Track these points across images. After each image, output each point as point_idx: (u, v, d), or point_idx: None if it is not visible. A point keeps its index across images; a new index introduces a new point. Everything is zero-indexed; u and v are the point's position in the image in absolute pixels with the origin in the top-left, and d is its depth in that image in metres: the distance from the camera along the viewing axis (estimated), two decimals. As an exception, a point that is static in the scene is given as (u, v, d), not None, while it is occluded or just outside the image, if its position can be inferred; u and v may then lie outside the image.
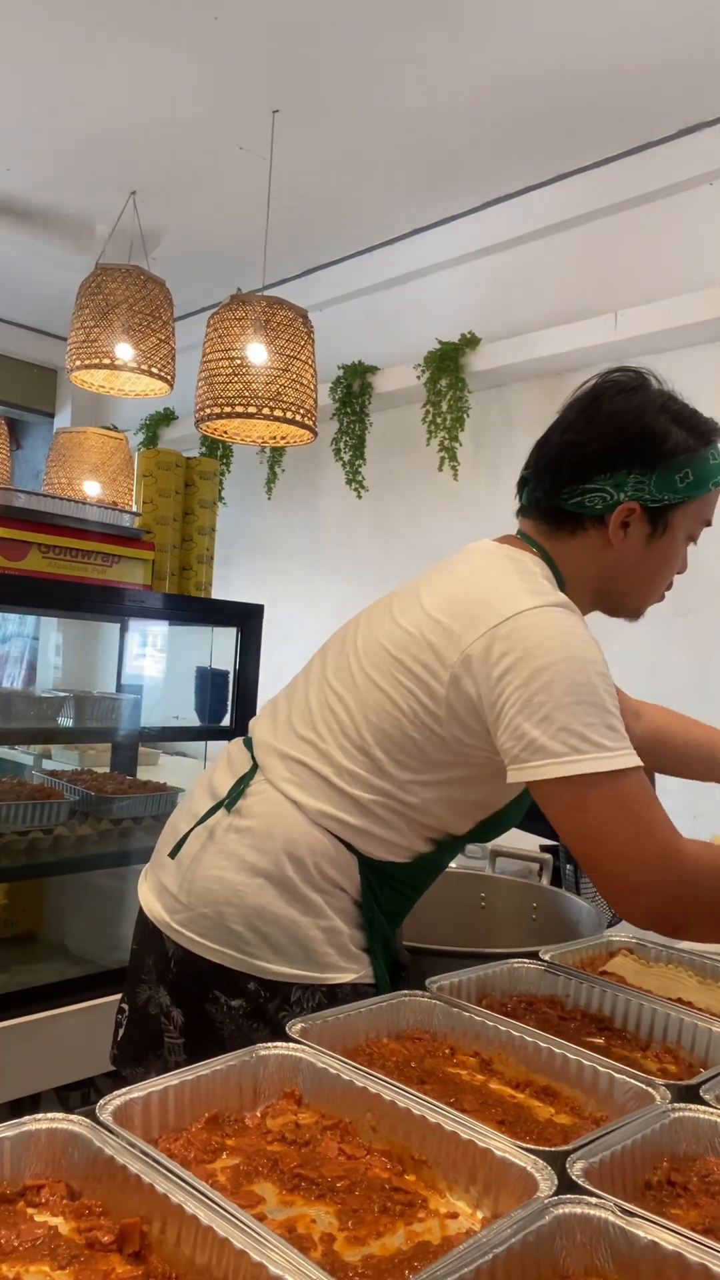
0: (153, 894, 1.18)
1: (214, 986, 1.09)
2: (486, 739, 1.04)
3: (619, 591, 1.16)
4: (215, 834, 1.13)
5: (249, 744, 1.20)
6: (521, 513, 1.20)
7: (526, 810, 1.23)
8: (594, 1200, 0.64)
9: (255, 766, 1.15)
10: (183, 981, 1.12)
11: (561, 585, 1.12)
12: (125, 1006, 1.22)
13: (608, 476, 1.10)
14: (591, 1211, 0.64)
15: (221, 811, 1.14)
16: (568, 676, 0.97)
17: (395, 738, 1.07)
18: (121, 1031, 1.22)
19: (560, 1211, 0.63)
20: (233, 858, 1.10)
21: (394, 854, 1.12)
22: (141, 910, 1.20)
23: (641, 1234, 0.62)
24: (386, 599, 1.20)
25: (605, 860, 0.96)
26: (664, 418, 1.11)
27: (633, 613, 1.21)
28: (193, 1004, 1.11)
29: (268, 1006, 1.07)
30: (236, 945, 1.08)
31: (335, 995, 1.08)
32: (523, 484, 1.20)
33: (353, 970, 1.10)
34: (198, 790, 1.22)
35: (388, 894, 1.13)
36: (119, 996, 1.23)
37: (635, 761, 0.96)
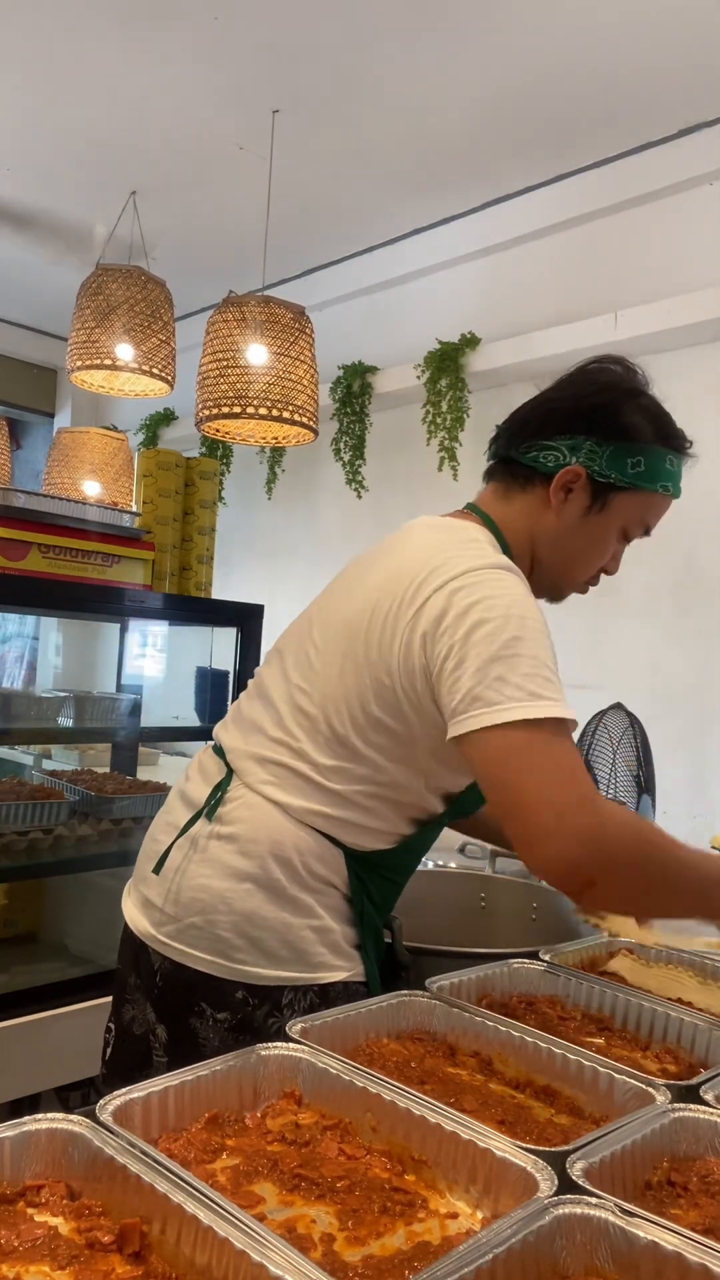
0: (137, 909, 1.17)
1: (201, 999, 1.08)
2: (435, 705, 1.03)
3: (546, 561, 1.17)
4: (198, 843, 1.12)
5: (219, 751, 1.19)
6: (486, 474, 1.23)
7: None
8: (594, 1200, 0.64)
9: (230, 773, 1.15)
10: (169, 996, 1.11)
11: (506, 552, 1.13)
12: (111, 1025, 1.22)
13: (565, 437, 1.13)
14: (591, 1211, 0.64)
15: (202, 820, 1.13)
16: (504, 630, 0.97)
17: (361, 719, 1.07)
18: (109, 1050, 1.22)
19: (560, 1211, 0.63)
20: (218, 865, 1.09)
21: (380, 841, 1.12)
22: (126, 926, 1.19)
23: (641, 1234, 0.62)
24: (333, 587, 1.21)
25: (522, 806, 0.93)
26: (632, 403, 1.14)
27: (552, 588, 1.21)
28: (178, 1019, 1.10)
29: (256, 1014, 1.07)
30: (225, 953, 1.07)
31: (327, 995, 1.08)
32: (493, 441, 1.23)
33: (344, 968, 1.10)
34: (173, 802, 1.22)
35: (377, 883, 1.13)
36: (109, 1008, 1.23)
37: (566, 713, 0.96)
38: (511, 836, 0.95)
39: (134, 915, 1.17)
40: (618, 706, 2.19)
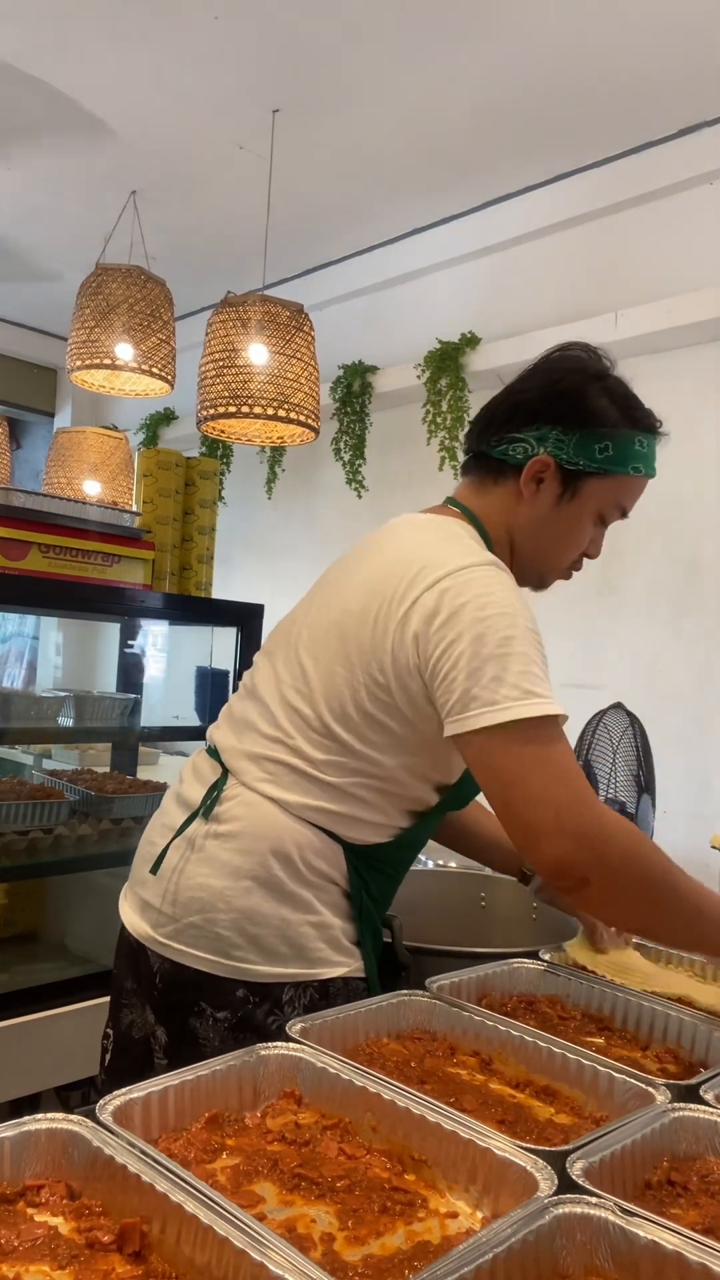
0: (135, 911, 1.17)
1: (200, 999, 1.08)
2: (429, 702, 1.05)
3: (524, 551, 1.17)
4: (195, 843, 1.13)
5: (213, 753, 1.19)
6: (463, 469, 1.24)
7: None
8: (594, 1200, 0.64)
9: (226, 772, 1.15)
10: (169, 997, 1.11)
11: (489, 546, 1.14)
12: (110, 1031, 1.21)
13: (533, 428, 1.14)
14: (591, 1211, 0.64)
15: (199, 821, 1.13)
16: (498, 630, 0.99)
17: (356, 716, 1.08)
18: (108, 1057, 1.21)
19: (560, 1211, 0.63)
20: (216, 863, 1.10)
21: (378, 835, 1.12)
22: (124, 930, 1.19)
23: (641, 1234, 0.62)
24: (319, 586, 1.22)
25: (521, 802, 0.96)
26: (598, 385, 1.14)
27: (535, 577, 1.21)
28: (178, 1020, 1.10)
29: (256, 1013, 1.07)
30: (225, 951, 1.08)
31: (327, 990, 1.08)
32: (467, 436, 1.24)
33: (344, 964, 1.10)
34: (168, 805, 1.22)
35: (375, 878, 1.14)
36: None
37: (560, 710, 0.98)
38: (510, 832, 0.98)
39: (131, 918, 1.18)
40: (618, 706, 2.19)
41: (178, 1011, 1.10)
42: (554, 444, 1.12)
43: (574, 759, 0.98)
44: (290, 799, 1.09)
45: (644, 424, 1.15)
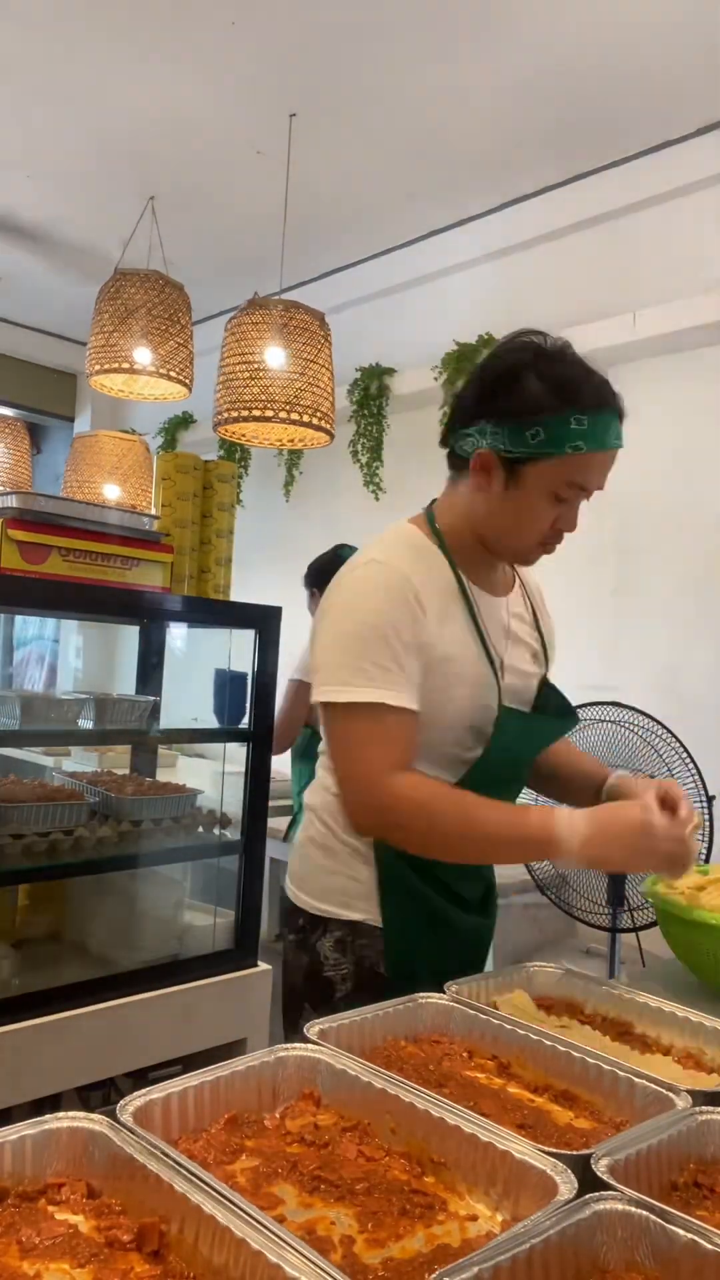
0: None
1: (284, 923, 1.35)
2: None
3: (489, 534, 1.23)
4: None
5: None
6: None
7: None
8: (635, 1197, 0.64)
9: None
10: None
11: (441, 539, 1.24)
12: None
13: (475, 424, 1.19)
14: (633, 1209, 0.64)
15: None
16: (336, 623, 1.18)
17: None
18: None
19: (601, 1207, 0.63)
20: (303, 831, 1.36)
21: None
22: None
23: (681, 1232, 0.61)
24: None
25: (339, 780, 1.20)
26: (530, 374, 1.13)
27: (510, 554, 1.27)
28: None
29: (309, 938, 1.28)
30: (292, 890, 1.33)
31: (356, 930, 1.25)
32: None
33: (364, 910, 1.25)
34: None
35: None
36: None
37: (370, 698, 1.11)
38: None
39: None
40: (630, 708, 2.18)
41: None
42: (491, 437, 1.16)
43: (374, 743, 1.13)
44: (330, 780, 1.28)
45: (582, 402, 1.11)
